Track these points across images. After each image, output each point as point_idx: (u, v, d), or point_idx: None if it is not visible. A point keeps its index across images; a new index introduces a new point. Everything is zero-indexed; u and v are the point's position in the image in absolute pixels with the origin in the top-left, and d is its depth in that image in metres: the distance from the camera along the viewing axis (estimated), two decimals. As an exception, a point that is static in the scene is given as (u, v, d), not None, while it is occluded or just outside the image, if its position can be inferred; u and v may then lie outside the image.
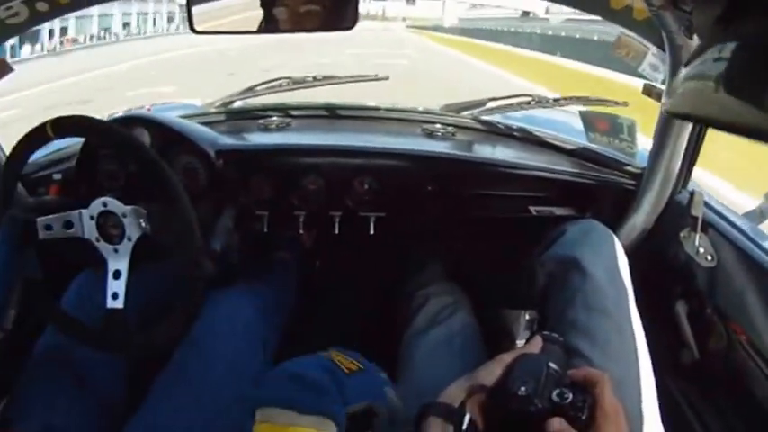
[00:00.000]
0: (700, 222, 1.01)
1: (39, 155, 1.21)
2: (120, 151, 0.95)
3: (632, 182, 1.19)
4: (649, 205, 1.14)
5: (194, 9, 0.86)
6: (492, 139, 1.40)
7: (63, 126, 0.89)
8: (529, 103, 1.44)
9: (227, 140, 1.22)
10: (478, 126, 1.43)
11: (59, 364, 0.96)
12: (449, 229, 1.37)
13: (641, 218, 1.15)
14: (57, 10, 0.99)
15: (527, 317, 1.47)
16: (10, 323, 0.88)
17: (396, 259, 1.38)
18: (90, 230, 0.91)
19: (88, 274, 1.07)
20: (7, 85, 1.04)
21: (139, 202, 0.91)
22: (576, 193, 1.23)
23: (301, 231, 1.25)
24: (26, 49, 12.64)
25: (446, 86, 7.83)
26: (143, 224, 0.88)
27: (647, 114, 1.10)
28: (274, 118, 1.39)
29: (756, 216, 1.05)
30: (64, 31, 14.42)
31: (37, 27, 1.04)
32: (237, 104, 1.52)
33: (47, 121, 0.88)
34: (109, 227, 0.90)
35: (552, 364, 0.66)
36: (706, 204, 1.04)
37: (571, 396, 0.61)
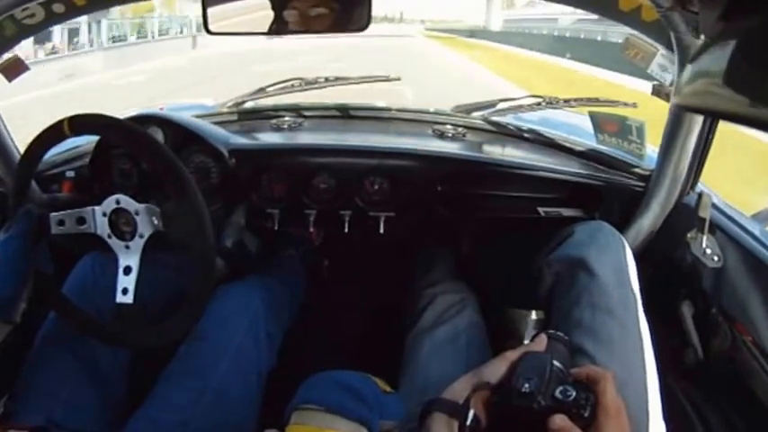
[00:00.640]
0: (707, 224, 1.01)
1: (53, 153, 1.24)
2: (136, 150, 0.97)
3: (641, 183, 1.19)
4: (657, 207, 1.14)
5: (209, 11, 0.88)
6: (502, 140, 1.41)
7: (79, 124, 0.90)
8: (539, 104, 1.45)
9: (240, 140, 1.24)
10: (489, 127, 1.43)
11: (63, 356, 0.97)
12: (457, 229, 1.37)
13: (649, 219, 1.15)
14: (72, 11, 1.02)
15: (534, 317, 1.48)
16: (19, 317, 0.89)
17: (404, 258, 1.39)
18: (102, 227, 0.92)
19: (92, 259, 1.09)
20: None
21: (152, 200, 0.92)
22: (584, 195, 1.23)
23: (311, 230, 1.26)
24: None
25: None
26: (155, 222, 0.89)
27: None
28: (286, 118, 1.41)
29: (764, 218, 1.04)
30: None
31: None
32: (249, 105, 1.54)
33: (63, 119, 0.89)
34: (121, 224, 0.92)
35: (556, 363, 0.67)
36: (714, 206, 1.03)
37: (574, 393, 0.61)
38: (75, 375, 0.96)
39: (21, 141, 1.12)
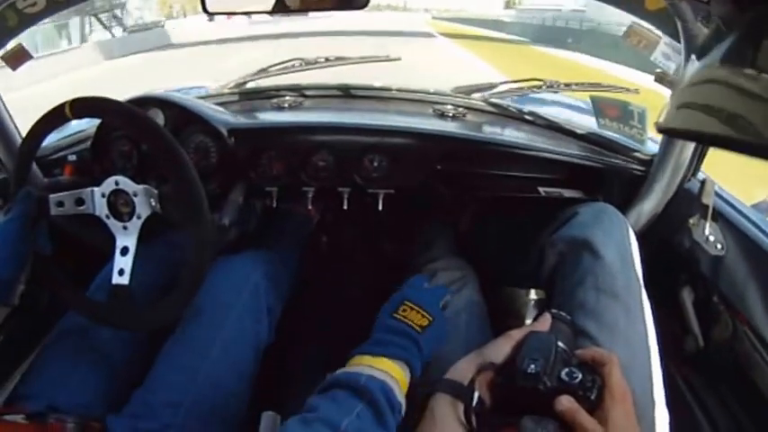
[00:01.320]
0: (710, 210, 1.01)
1: (54, 137, 1.23)
2: (136, 132, 0.96)
3: (641, 168, 1.19)
4: (659, 191, 1.14)
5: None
6: (502, 120, 1.40)
7: (81, 107, 0.89)
8: (540, 87, 1.44)
9: (240, 119, 1.23)
10: (489, 108, 1.43)
11: (76, 346, 0.97)
12: (457, 208, 1.38)
13: (650, 203, 1.15)
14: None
15: (534, 296, 1.49)
16: (17, 299, 0.89)
17: (403, 235, 1.39)
18: (101, 207, 0.92)
19: None
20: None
21: (150, 182, 0.92)
22: (584, 177, 1.23)
23: (309, 207, 1.26)
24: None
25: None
26: (153, 203, 0.89)
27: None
28: (287, 97, 1.40)
29: (764, 209, 1.05)
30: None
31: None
32: (250, 85, 1.52)
33: (65, 102, 0.89)
34: (119, 205, 0.92)
35: (561, 344, 0.67)
36: (716, 193, 1.04)
37: (580, 376, 0.62)
38: (81, 363, 0.95)
39: None
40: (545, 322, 0.75)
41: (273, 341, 1.09)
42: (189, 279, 0.90)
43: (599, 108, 1.24)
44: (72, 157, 1.25)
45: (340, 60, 1.49)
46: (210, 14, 0.92)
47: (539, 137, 1.30)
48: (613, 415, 0.59)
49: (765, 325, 0.87)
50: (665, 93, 1.06)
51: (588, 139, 1.30)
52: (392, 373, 0.70)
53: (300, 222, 1.46)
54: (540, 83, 1.45)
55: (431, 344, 0.76)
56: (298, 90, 1.46)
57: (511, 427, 0.61)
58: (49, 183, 1.23)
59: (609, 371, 0.63)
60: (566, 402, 0.59)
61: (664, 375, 0.81)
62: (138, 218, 0.91)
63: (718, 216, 1.03)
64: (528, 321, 1.43)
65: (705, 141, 0.80)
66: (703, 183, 1.04)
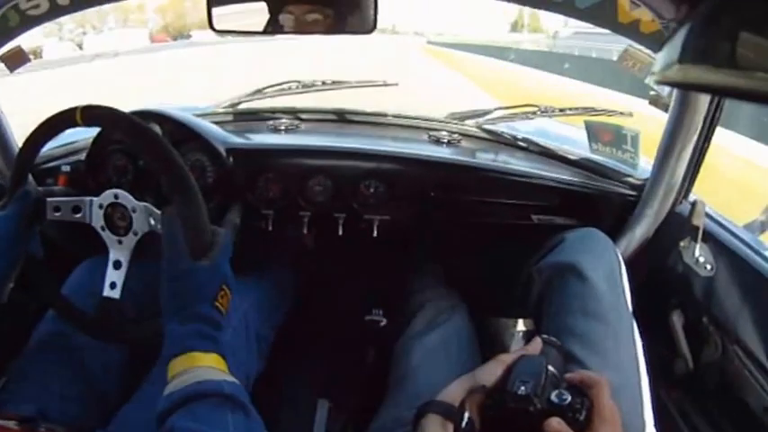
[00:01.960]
0: (701, 232, 1.02)
1: (48, 146, 1.23)
2: (146, 150, 0.95)
3: (633, 192, 1.20)
4: (651, 215, 1.15)
5: (214, 10, 0.90)
6: (496, 147, 1.42)
7: (92, 115, 0.87)
8: (534, 112, 1.45)
9: (238, 139, 1.23)
10: (483, 134, 1.44)
11: (57, 350, 0.96)
12: (450, 235, 1.38)
13: (642, 228, 1.16)
14: (77, 5, 1.02)
15: (522, 328, 1.48)
16: (5, 297, 0.88)
17: (396, 262, 1.39)
18: (97, 218, 0.91)
19: (91, 263, 1.08)
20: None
21: (148, 198, 0.91)
22: (577, 203, 1.23)
23: (305, 231, 1.26)
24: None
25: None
26: (152, 222, 0.89)
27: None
28: (283, 120, 1.41)
29: (757, 227, 1.05)
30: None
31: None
32: (245, 106, 1.53)
33: (76, 107, 0.86)
34: (116, 218, 0.91)
35: (551, 367, 0.67)
36: (707, 215, 1.04)
37: (570, 398, 0.62)
38: (64, 370, 0.94)
39: None
40: (536, 346, 0.75)
41: (267, 366, 1.08)
42: None
43: (593, 132, 1.25)
44: (66, 168, 1.24)
45: (337, 84, 1.51)
46: (216, 32, 0.93)
47: (532, 163, 1.31)
48: None
49: (755, 343, 0.87)
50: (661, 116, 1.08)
51: (580, 164, 1.31)
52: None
53: (296, 246, 1.45)
54: (535, 108, 1.46)
55: None
56: (293, 113, 1.47)
57: None
58: (43, 191, 1.22)
59: (597, 393, 0.63)
60: (555, 424, 0.59)
61: (653, 398, 0.81)
62: (135, 234, 0.90)
63: (709, 237, 1.03)
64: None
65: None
66: (694, 204, 1.04)
